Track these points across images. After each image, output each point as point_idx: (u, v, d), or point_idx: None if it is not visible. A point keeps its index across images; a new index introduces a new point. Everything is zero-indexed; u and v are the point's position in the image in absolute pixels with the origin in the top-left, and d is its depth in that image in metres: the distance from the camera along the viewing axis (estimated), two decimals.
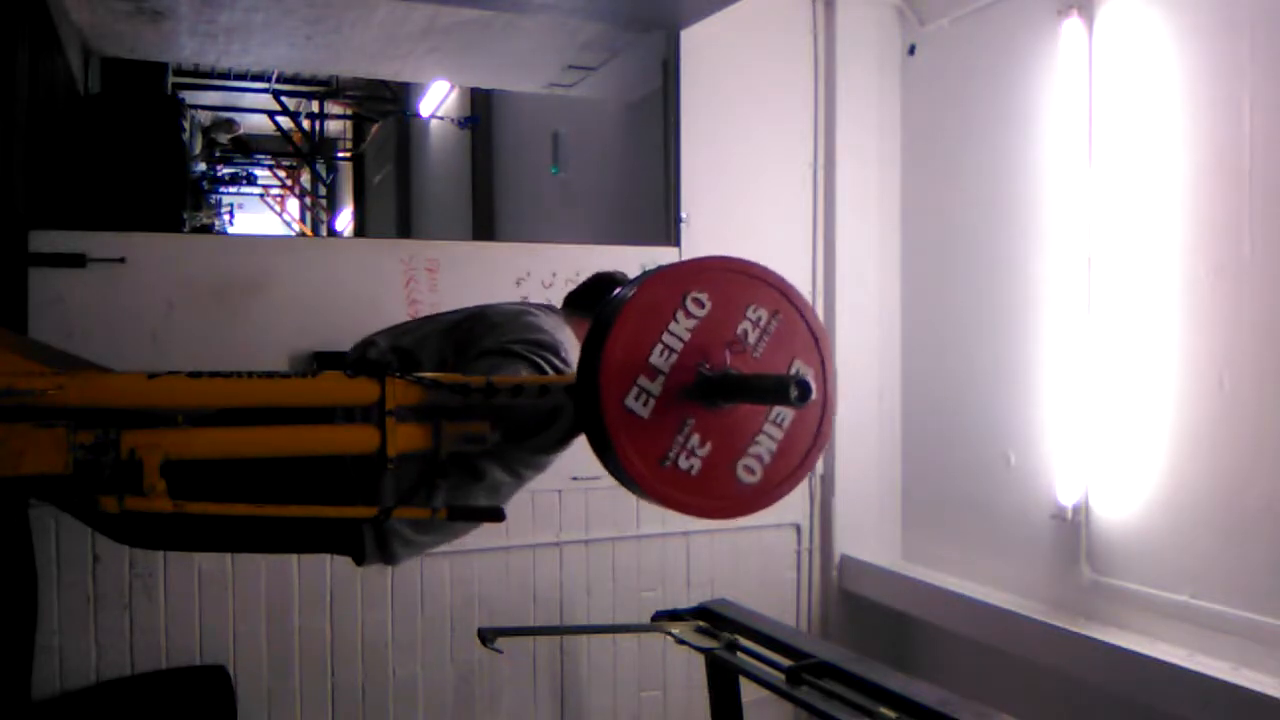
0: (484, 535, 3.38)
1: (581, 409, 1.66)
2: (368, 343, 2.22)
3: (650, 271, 1.69)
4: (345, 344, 3.12)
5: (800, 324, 1.72)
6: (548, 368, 2.04)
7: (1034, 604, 3.44)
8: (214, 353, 3.02)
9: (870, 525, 4.14)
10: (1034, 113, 3.49)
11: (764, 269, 1.72)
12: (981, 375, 3.76)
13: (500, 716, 3.59)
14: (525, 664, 3.64)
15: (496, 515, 2.10)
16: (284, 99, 9.68)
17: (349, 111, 10.62)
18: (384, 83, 8.85)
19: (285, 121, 10.63)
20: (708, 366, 1.62)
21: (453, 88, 7.88)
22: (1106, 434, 3.25)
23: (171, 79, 7.35)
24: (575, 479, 3.66)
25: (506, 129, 7.62)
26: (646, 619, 3.24)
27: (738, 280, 1.69)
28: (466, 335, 2.13)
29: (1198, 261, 2.98)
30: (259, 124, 10.59)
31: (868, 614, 4.08)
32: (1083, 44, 3.30)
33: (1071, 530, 3.34)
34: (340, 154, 13.67)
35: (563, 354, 2.10)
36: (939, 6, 3.93)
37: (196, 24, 3.91)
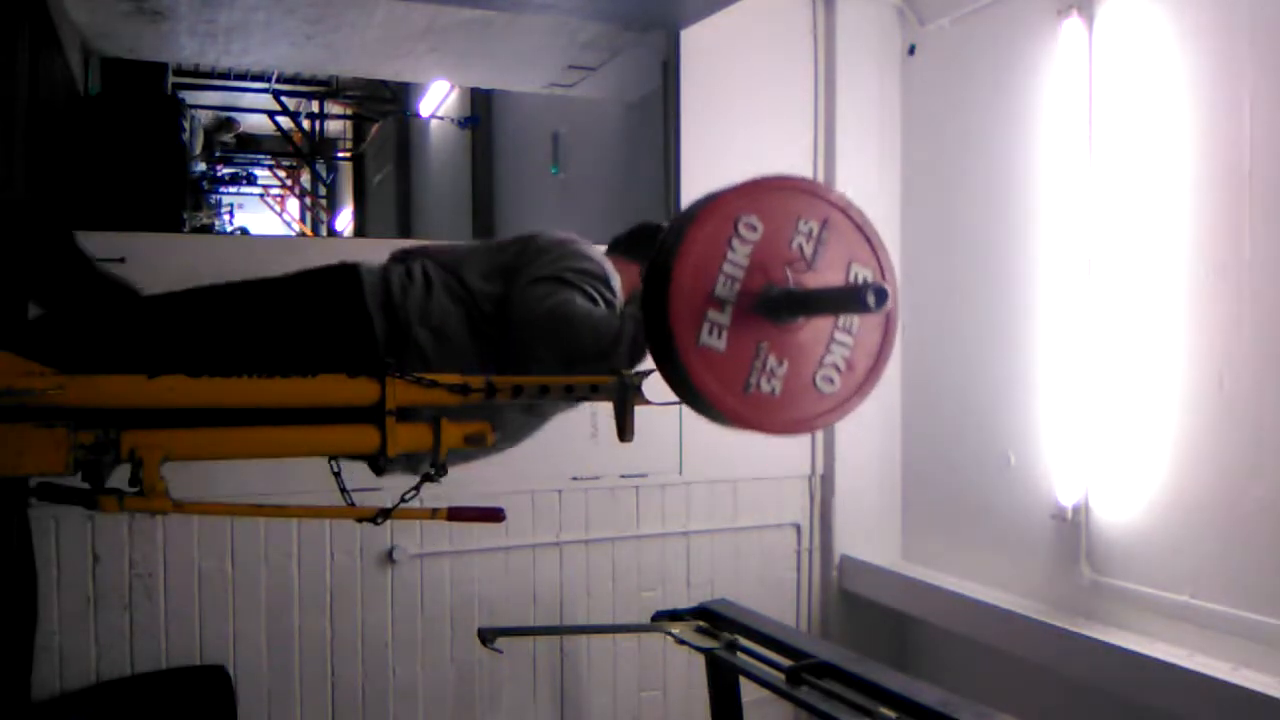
0: (484, 535, 3.40)
1: (658, 355, 1.66)
2: (408, 254, 2.15)
3: (695, 205, 1.66)
4: None
5: (849, 227, 1.72)
6: (598, 297, 2.04)
7: (1034, 604, 3.44)
8: None
9: (870, 525, 4.14)
10: (1034, 113, 3.49)
11: (803, 180, 1.75)
12: (981, 375, 3.76)
13: (500, 716, 3.60)
14: (525, 664, 3.64)
15: (496, 515, 2.10)
16: (284, 99, 9.68)
17: (349, 111, 10.62)
18: (384, 83, 8.85)
19: (285, 121, 10.64)
20: (772, 287, 1.63)
21: (453, 88, 7.88)
22: (1106, 434, 3.25)
23: (171, 79, 7.35)
24: (575, 479, 3.67)
25: (506, 129, 7.62)
26: (646, 619, 3.25)
27: (782, 196, 1.69)
28: (516, 258, 2.10)
29: (1198, 261, 2.98)
30: (259, 124, 10.59)
31: (868, 614, 4.08)
32: (1083, 44, 3.30)
33: (1071, 530, 3.34)
34: (340, 154, 13.68)
35: (613, 285, 2.09)
36: (939, 6, 3.93)
37: (196, 24, 3.91)
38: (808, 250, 1.68)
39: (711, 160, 3.85)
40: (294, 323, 1.99)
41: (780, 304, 1.63)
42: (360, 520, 2.01)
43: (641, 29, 3.88)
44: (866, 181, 4.09)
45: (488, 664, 3.53)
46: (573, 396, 2.10)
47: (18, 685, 2.87)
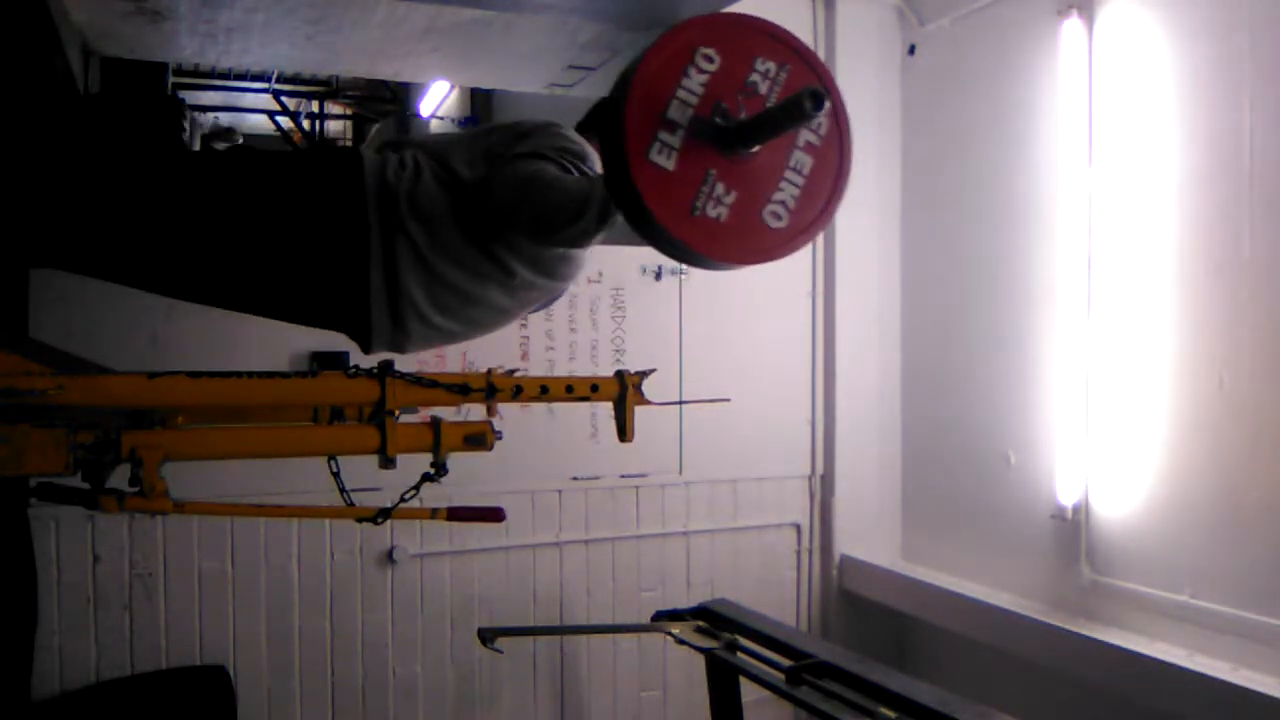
0: (484, 535, 3.40)
1: (608, 166, 1.70)
2: (400, 143, 2.15)
3: (659, 35, 1.72)
4: (344, 344, 3.15)
5: (808, 72, 1.76)
6: (573, 170, 2.06)
7: (1034, 604, 3.44)
8: (214, 353, 3.02)
9: (870, 525, 4.14)
10: (1034, 113, 3.49)
11: (766, 21, 1.77)
12: (981, 375, 3.76)
13: (500, 716, 3.59)
14: (525, 664, 3.64)
15: (496, 515, 2.10)
16: (284, 99, 9.67)
17: (349, 111, 10.61)
18: (384, 83, 8.84)
19: (285, 121, 10.63)
20: (721, 116, 1.67)
21: (453, 88, 7.87)
22: (1106, 434, 3.25)
23: (171, 79, 7.34)
24: (575, 479, 3.66)
25: None
26: (646, 619, 3.25)
27: (742, 34, 1.73)
28: (499, 143, 2.12)
29: (1197, 261, 2.98)
30: (259, 124, 10.58)
31: (868, 614, 4.08)
32: (1083, 44, 3.30)
33: (1071, 530, 3.34)
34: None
35: (590, 162, 2.11)
36: (939, 6, 3.93)
37: (196, 24, 3.90)
38: (763, 89, 1.72)
39: None
40: (294, 194, 1.98)
41: (726, 131, 1.67)
42: (360, 520, 2.01)
43: (641, 29, 3.88)
44: (866, 181, 4.09)
45: (488, 664, 3.53)
46: (573, 396, 2.10)
47: (18, 685, 2.87)
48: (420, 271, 2.00)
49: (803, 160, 1.75)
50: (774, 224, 1.75)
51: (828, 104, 1.55)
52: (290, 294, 2.03)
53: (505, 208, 2.01)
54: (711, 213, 1.68)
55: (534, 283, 2.19)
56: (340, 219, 1.96)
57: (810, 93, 1.53)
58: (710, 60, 1.68)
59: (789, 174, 1.74)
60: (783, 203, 1.74)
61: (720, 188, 1.68)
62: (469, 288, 2.09)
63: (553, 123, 2.19)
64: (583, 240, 2.07)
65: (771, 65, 1.73)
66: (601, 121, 1.72)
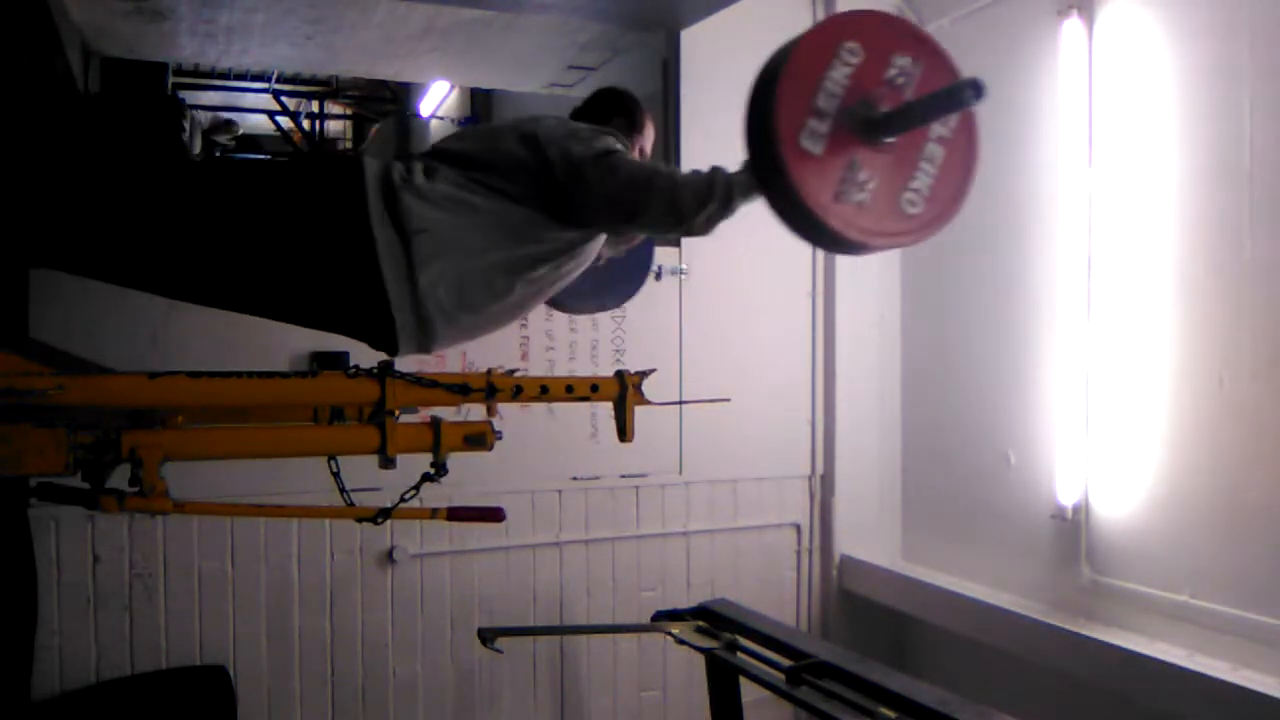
0: (484, 535, 3.40)
1: (756, 153, 1.79)
2: (400, 156, 2.11)
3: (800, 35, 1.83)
4: (345, 344, 3.14)
5: (942, 66, 1.88)
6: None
7: (1034, 604, 3.44)
8: (214, 353, 3.02)
9: (870, 525, 4.14)
10: (1034, 113, 3.49)
11: (904, 20, 1.93)
12: (981, 375, 3.76)
13: (500, 716, 3.59)
14: (525, 664, 3.64)
15: (496, 515, 2.10)
16: (284, 99, 9.66)
17: (349, 111, 10.61)
18: (384, 83, 8.83)
19: (285, 121, 10.63)
20: (867, 106, 1.79)
21: (453, 88, 7.86)
22: (1106, 434, 3.25)
23: (171, 79, 7.34)
24: (575, 479, 3.66)
25: None
26: (646, 619, 3.25)
27: (882, 30, 1.86)
28: (534, 141, 2.09)
29: (1197, 261, 2.98)
30: (259, 124, 10.58)
31: (868, 614, 4.08)
32: (1083, 44, 3.30)
33: (1071, 530, 3.34)
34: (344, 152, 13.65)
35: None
36: (939, 6, 3.92)
37: (196, 24, 3.90)
38: (901, 82, 1.84)
39: (711, 160, 3.84)
40: (296, 202, 1.94)
41: (874, 122, 1.78)
42: (360, 520, 2.01)
43: (641, 29, 3.88)
44: None
45: (488, 664, 3.53)
46: (573, 396, 2.10)
47: (18, 685, 2.87)
48: (440, 272, 1.95)
49: (935, 152, 1.87)
50: (910, 210, 1.84)
51: (985, 92, 1.68)
52: (308, 304, 1.99)
53: (622, 205, 2.02)
54: (855, 198, 1.78)
55: (561, 272, 2.17)
56: (342, 228, 1.91)
57: (972, 83, 1.67)
58: (854, 54, 1.79)
59: (923, 164, 1.85)
60: (918, 191, 1.84)
61: (863, 174, 1.79)
62: (491, 280, 2.04)
63: (567, 120, 2.20)
64: (706, 228, 2.08)
65: (907, 60, 1.85)
66: (757, 86, 1.79)
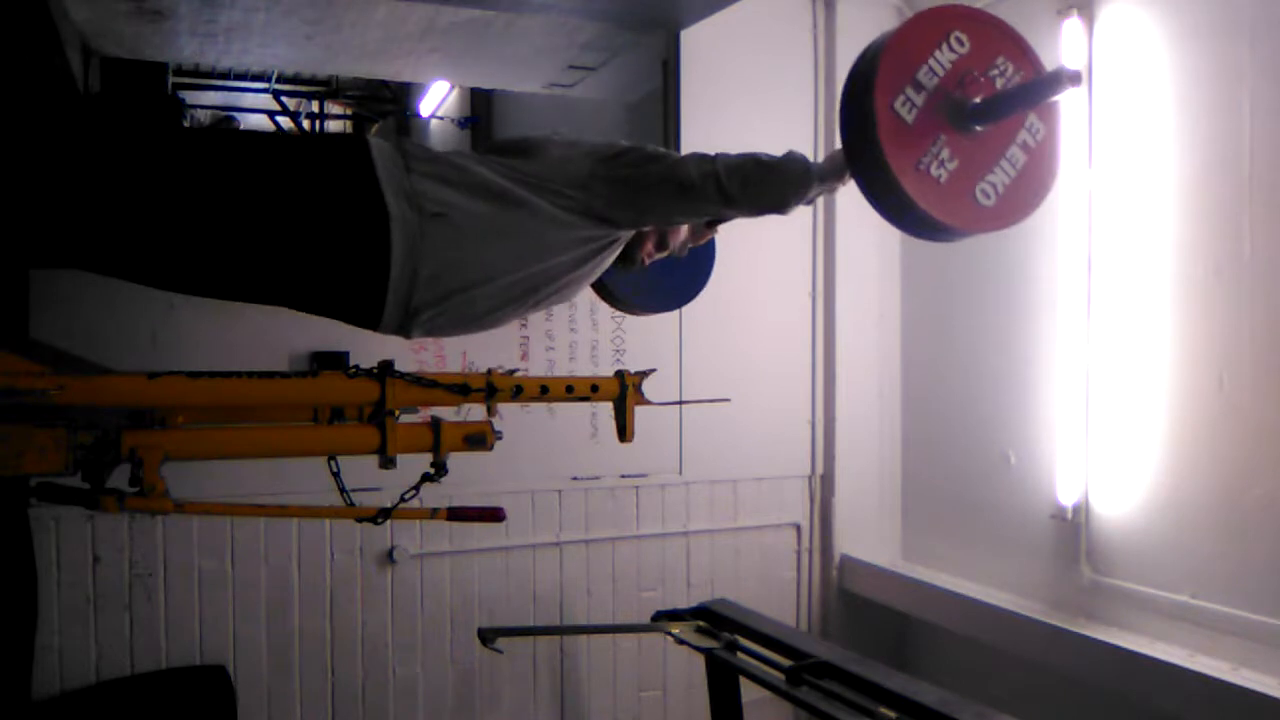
0: (484, 535, 3.40)
1: (851, 106, 1.87)
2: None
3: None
4: (344, 344, 3.15)
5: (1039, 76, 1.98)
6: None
7: (1034, 604, 3.44)
8: (214, 353, 3.02)
9: (870, 525, 4.14)
10: None
11: (1017, 33, 2.00)
12: (981, 375, 3.76)
13: (500, 716, 3.59)
14: (525, 664, 3.64)
15: (496, 515, 2.10)
16: (284, 99, 9.66)
17: (349, 111, 10.61)
18: (384, 83, 8.83)
19: (285, 121, 10.62)
20: (962, 95, 1.90)
21: (453, 88, 7.86)
22: (1106, 434, 3.25)
23: (171, 79, 7.34)
24: (575, 479, 3.66)
25: (507, 129, 7.61)
26: (646, 619, 3.25)
27: (994, 32, 1.97)
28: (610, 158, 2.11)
29: (1197, 262, 2.98)
30: (259, 124, 10.58)
31: (868, 614, 4.08)
32: (1083, 45, 3.30)
33: (1071, 530, 3.34)
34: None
35: None
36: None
37: (196, 24, 3.90)
38: (998, 83, 1.94)
39: None
40: (302, 179, 1.90)
41: (968, 107, 1.88)
42: (360, 520, 2.01)
43: (641, 29, 3.88)
44: None
45: (488, 664, 3.53)
46: (573, 396, 2.10)
47: (18, 685, 2.87)
48: (446, 261, 1.92)
49: (1017, 155, 1.96)
50: (983, 201, 1.93)
51: (1081, 82, 1.81)
52: (295, 281, 1.93)
53: (736, 198, 2.08)
54: (934, 172, 1.87)
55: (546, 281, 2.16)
56: (351, 205, 1.87)
57: (1070, 72, 1.80)
58: (961, 44, 1.91)
59: (1004, 162, 1.96)
60: (994, 185, 1.94)
61: (946, 153, 1.88)
62: (487, 272, 2.01)
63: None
64: (800, 202, 2.13)
65: (1009, 66, 1.96)
66: (854, 65, 1.90)
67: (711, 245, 2.70)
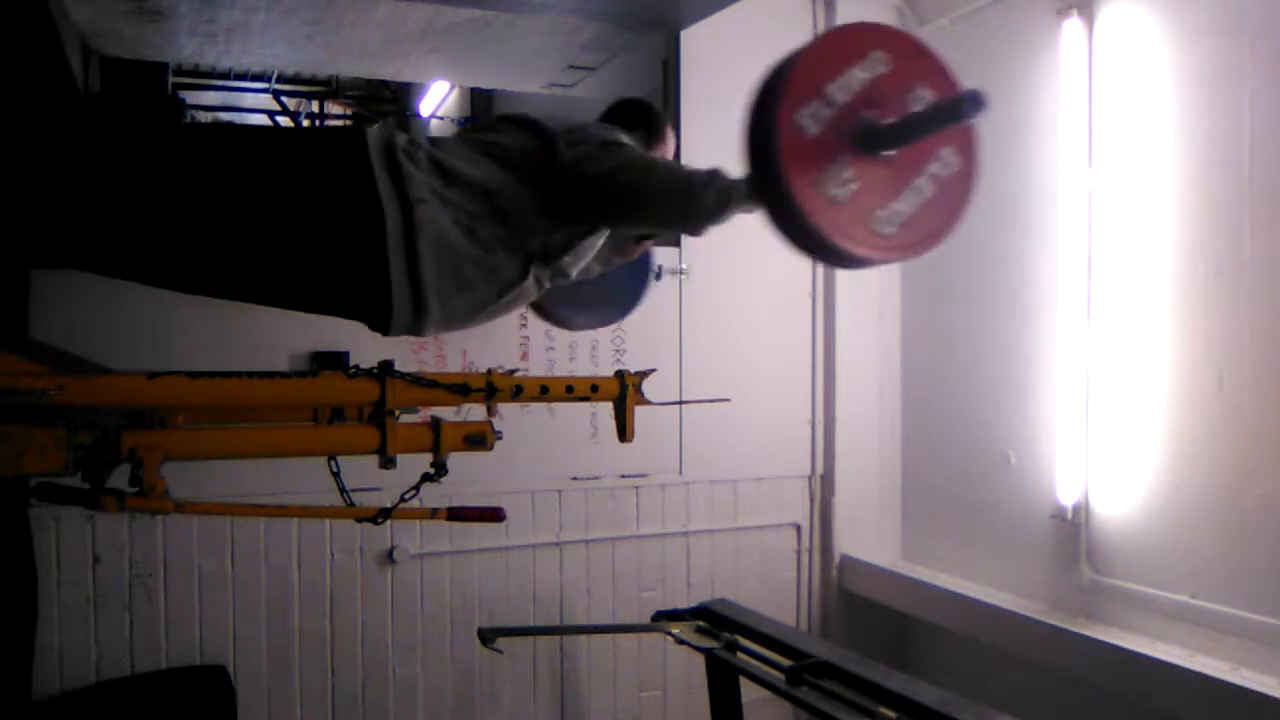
0: (484, 535, 3.40)
1: (755, 113, 1.79)
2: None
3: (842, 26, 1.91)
4: (345, 344, 3.15)
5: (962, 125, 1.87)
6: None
7: (1034, 604, 3.44)
8: (214, 353, 3.02)
9: (870, 525, 4.14)
10: (1034, 113, 3.49)
11: (942, 59, 1.90)
12: (981, 375, 3.76)
13: (500, 716, 3.59)
14: (525, 664, 3.64)
15: (496, 515, 2.10)
16: (284, 99, 9.67)
17: (349, 111, 10.61)
18: (384, 83, 8.84)
19: (285, 121, 10.63)
20: (872, 116, 1.79)
21: (453, 88, 7.87)
22: (1106, 434, 3.25)
23: (171, 79, 7.35)
24: (575, 479, 3.66)
25: None
26: (646, 619, 3.25)
27: (919, 59, 1.87)
28: (560, 139, 2.09)
29: (1197, 262, 2.98)
30: (259, 124, 10.59)
31: (868, 614, 4.08)
32: (1083, 44, 3.30)
33: (1071, 530, 3.34)
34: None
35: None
36: (939, 6, 3.93)
37: (196, 24, 3.90)
38: (914, 109, 1.83)
39: (711, 160, 3.84)
40: (300, 173, 1.90)
41: (871, 131, 1.78)
42: (360, 520, 2.01)
43: (641, 29, 3.88)
44: None
45: (488, 664, 3.53)
46: (573, 396, 2.10)
47: (18, 685, 2.87)
48: (441, 248, 1.93)
49: (925, 187, 1.85)
50: (882, 229, 1.82)
51: (985, 108, 1.67)
52: (307, 278, 1.93)
53: (620, 190, 2.01)
54: (832, 191, 1.77)
55: (545, 266, 2.15)
56: (350, 195, 1.88)
57: (972, 95, 1.66)
58: (881, 64, 1.81)
59: (909, 193, 1.84)
60: (898, 214, 1.83)
61: (848, 174, 1.78)
62: (489, 266, 2.02)
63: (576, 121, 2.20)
64: (700, 223, 2.07)
65: (929, 94, 1.85)
66: (765, 76, 1.80)
67: (645, 261, 2.71)
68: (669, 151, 2.50)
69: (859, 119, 1.78)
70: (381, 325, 1.97)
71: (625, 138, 2.15)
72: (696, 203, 1.99)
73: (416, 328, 1.98)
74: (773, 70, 1.80)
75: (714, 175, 1.99)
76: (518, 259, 2.04)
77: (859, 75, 1.79)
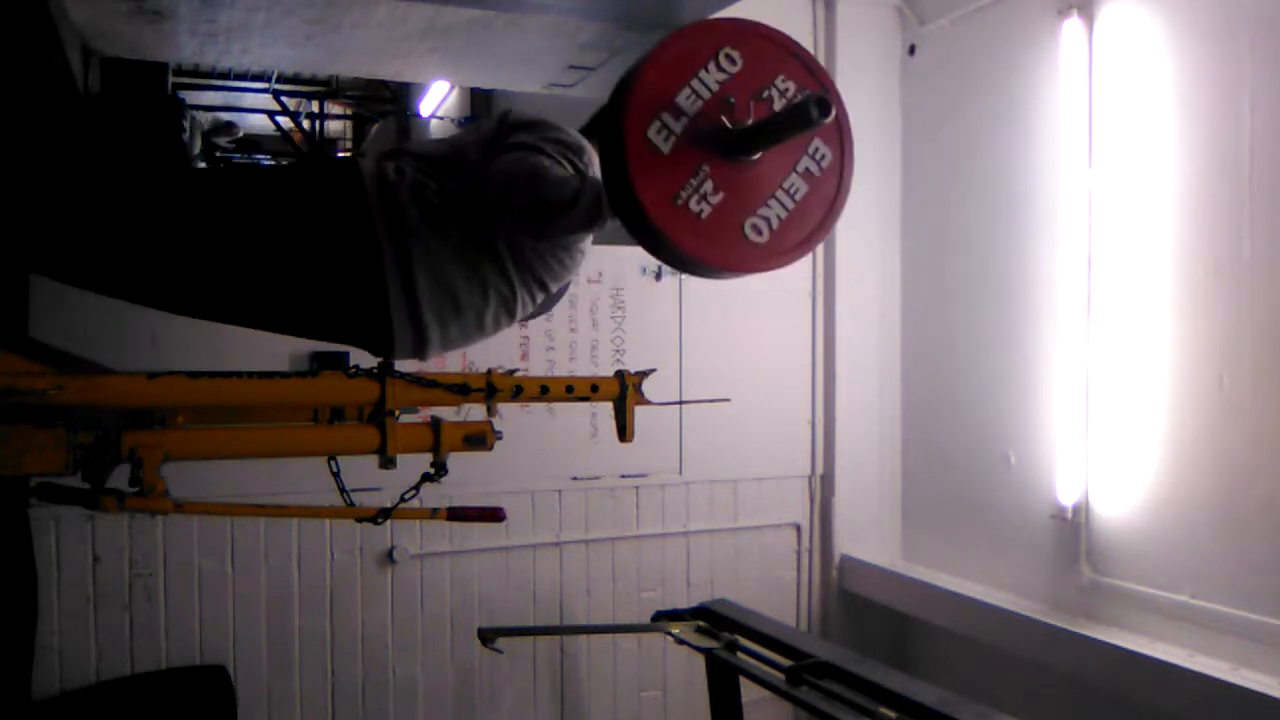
0: (484, 535, 3.40)
1: (604, 134, 1.70)
2: (388, 155, 2.09)
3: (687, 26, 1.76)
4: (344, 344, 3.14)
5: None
6: (566, 164, 2.03)
7: (1034, 604, 3.44)
8: (214, 353, 3.02)
9: (870, 525, 4.14)
10: (1034, 113, 3.49)
11: (798, 44, 1.78)
12: (981, 375, 3.76)
13: (500, 716, 3.59)
14: (525, 664, 3.64)
15: (496, 515, 2.10)
16: (284, 99, 9.67)
17: (349, 111, 10.61)
18: (384, 83, 8.84)
19: (285, 121, 10.63)
20: (729, 120, 1.68)
21: (453, 88, 7.87)
22: (1106, 434, 3.25)
23: (171, 79, 7.35)
24: (575, 479, 3.66)
25: None
26: (646, 619, 3.25)
27: (771, 48, 1.75)
28: (492, 132, 2.09)
29: (1197, 262, 2.98)
30: (259, 124, 10.59)
31: (868, 614, 4.08)
32: (1083, 44, 3.30)
33: (1071, 530, 3.34)
34: (340, 154, 13.65)
35: (585, 158, 2.08)
36: (939, 6, 3.93)
37: (196, 24, 3.90)
38: (777, 105, 1.72)
39: None
40: (297, 210, 1.94)
41: (728, 134, 1.67)
42: (360, 520, 2.01)
43: (641, 29, 3.88)
44: (866, 181, 4.08)
45: (488, 664, 3.53)
46: (573, 396, 2.10)
47: (18, 685, 2.87)
48: (436, 276, 1.97)
49: (798, 186, 1.75)
50: (753, 237, 1.73)
51: (832, 114, 1.56)
52: (304, 311, 1.99)
53: (496, 197, 1.97)
54: (694, 207, 1.67)
55: (530, 280, 2.16)
56: (347, 231, 1.92)
57: (816, 99, 1.54)
58: (733, 62, 1.70)
59: (780, 194, 1.74)
60: (767, 220, 1.74)
61: (709, 185, 1.68)
62: (481, 288, 2.05)
63: (544, 119, 2.18)
64: (571, 234, 2.04)
65: (791, 86, 1.74)
66: (624, 75, 1.71)
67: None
68: None
69: (714, 126, 1.67)
70: (385, 354, 2.02)
71: (570, 137, 2.10)
72: (553, 224, 1.95)
73: (419, 354, 2.04)
74: (616, 87, 1.69)
75: (578, 194, 1.92)
76: (508, 276, 2.06)
77: (710, 78, 1.68)
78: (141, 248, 1.87)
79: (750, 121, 1.69)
